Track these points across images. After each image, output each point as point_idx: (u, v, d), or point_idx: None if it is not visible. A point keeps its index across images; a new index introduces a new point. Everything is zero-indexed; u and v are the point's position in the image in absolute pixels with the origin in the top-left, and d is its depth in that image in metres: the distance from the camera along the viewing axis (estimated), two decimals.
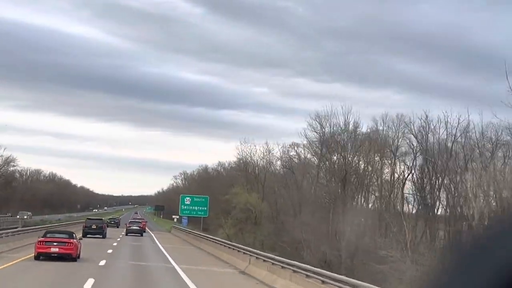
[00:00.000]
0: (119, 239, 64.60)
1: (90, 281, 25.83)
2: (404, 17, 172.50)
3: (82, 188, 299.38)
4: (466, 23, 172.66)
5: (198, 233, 70.32)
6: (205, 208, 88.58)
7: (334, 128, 76.69)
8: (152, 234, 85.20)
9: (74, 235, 38.36)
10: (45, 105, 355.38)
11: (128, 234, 75.63)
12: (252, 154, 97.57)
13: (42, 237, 36.85)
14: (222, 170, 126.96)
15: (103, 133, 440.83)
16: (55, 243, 35.53)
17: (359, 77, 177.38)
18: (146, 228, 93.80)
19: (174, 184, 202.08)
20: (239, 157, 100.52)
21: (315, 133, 79.04)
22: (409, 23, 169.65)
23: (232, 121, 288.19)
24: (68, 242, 35.92)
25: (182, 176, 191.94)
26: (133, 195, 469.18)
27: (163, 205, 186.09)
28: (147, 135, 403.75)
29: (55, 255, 35.14)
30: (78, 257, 36.58)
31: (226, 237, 73.36)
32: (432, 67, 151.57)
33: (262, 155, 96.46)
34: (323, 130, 77.84)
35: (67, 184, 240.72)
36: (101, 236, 63.90)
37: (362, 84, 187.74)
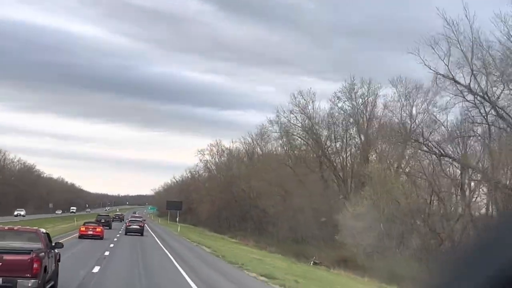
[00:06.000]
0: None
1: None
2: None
3: (62, 182, 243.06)
4: None
5: None
6: None
7: None
8: None
9: (100, 223, 66.25)
10: (46, 106, 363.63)
11: (127, 234, 73.39)
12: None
13: (83, 225, 64.03)
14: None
15: (103, 134, 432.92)
16: (90, 228, 62.57)
17: (367, 76, 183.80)
18: None
19: (200, 163, 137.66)
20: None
21: None
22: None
23: (235, 121, 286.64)
24: (98, 228, 63.05)
25: (215, 148, 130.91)
26: (130, 194, 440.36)
27: (180, 201, 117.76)
28: (148, 136, 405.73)
29: (90, 235, 62.04)
30: (103, 237, 63.49)
31: None
32: None
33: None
34: None
35: (28, 173, 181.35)
36: (108, 228, 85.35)
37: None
